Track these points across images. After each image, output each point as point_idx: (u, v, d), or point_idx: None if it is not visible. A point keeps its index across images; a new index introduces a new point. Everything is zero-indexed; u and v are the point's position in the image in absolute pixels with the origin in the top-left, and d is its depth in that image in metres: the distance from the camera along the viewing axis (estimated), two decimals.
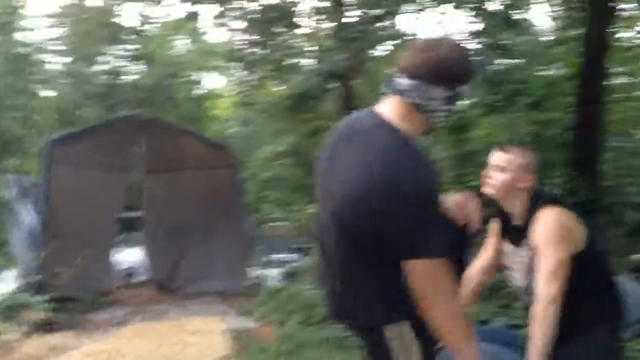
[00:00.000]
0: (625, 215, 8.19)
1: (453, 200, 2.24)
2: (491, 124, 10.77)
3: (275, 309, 6.83)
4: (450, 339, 2.03)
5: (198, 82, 22.71)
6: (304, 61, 11.43)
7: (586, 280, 2.62)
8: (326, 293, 2.25)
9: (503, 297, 5.55)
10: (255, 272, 8.92)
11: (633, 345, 4.36)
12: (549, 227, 2.61)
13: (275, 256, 9.09)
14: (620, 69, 9.90)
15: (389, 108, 2.11)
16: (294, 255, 9.13)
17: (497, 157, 2.79)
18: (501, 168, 2.75)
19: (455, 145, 10.58)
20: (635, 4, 9.44)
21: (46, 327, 6.76)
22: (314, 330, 5.85)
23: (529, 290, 2.67)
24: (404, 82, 2.05)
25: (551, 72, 9.75)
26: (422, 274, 1.95)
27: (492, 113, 10.47)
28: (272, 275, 8.85)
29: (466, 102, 11.11)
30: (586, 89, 7.90)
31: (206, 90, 23.26)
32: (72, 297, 7.72)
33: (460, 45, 2.21)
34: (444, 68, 2.03)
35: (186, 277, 8.66)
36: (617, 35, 9.35)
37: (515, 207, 2.76)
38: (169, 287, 8.87)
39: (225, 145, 9.69)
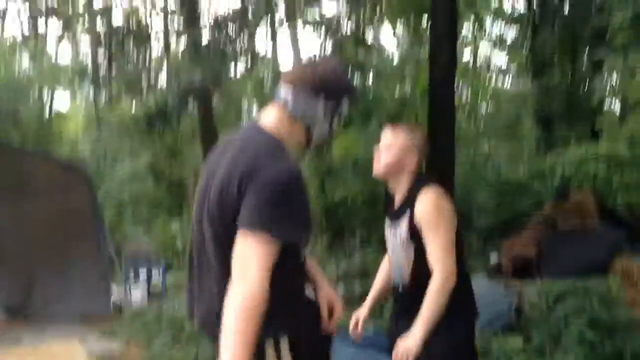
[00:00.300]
0: (476, 221, 8.79)
1: None
2: (348, 139, 11.17)
3: (141, 330, 6.59)
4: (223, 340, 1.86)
5: (45, 103, 21.65)
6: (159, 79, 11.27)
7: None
8: (203, 304, 2.13)
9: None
10: (117, 292, 8.59)
11: (495, 340, 4.65)
12: (437, 205, 2.66)
13: (138, 275, 8.78)
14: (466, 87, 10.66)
15: (270, 117, 2.14)
16: (158, 274, 8.87)
17: (385, 137, 2.77)
18: (387, 149, 2.74)
19: (315, 159, 10.84)
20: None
21: None
22: (183, 349, 5.71)
23: (404, 271, 2.75)
24: (286, 91, 2.10)
25: (404, 89, 10.29)
26: (245, 260, 1.86)
27: (348, 128, 10.87)
28: (136, 294, 8.56)
29: None
30: (436, 104, 8.36)
31: (54, 111, 22.22)
32: None
33: (339, 63, 2.31)
34: (324, 82, 2.10)
35: (41, 301, 8.13)
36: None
37: (400, 187, 2.78)
38: (22, 313, 8.29)
39: (76, 166, 9.26)
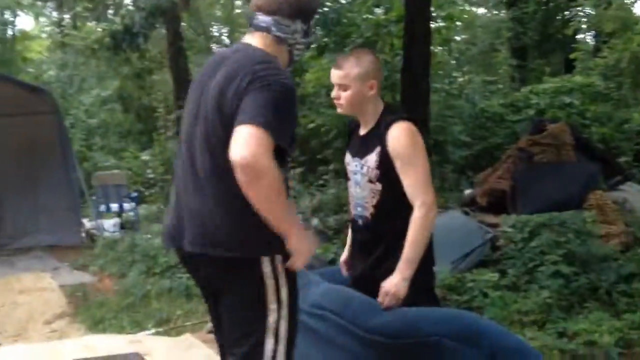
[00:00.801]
0: (451, 154, 8.76)
1: None
2: (321, 67, 10.91)
3: (114, 261, 6.51)
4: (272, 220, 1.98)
5: (8, 23, 20.77)
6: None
7: None
8: (190, 222, 2.13)
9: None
10: (88, 223, 8.47)
11: (470, 275, 4.68)
12: (413, 139, 2.64)
13: (109, 206, 8.64)
14: (442, 14, 10.37)
15: (256, 42, 2.20)
16: (129, 204, 8.73)
17: (335, 76, 2.73)
18: (342, 85, 2.70)
19: None
20: None
21: None
22: (157, 281, 5.67)
23: (367, 200, 2.73)
24: (264, 19, 2.19)
25: (379, 14, 9.99)
26: (246, 137, 1.89)
27: (322, 55, 10.60)
28: (108, 225, 8.44)
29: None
30: (411, 31, 8.17)
31: (17, 32, 21.37)
32: None
33: None
34: (298, 3, 2.20)
35: (10, 233, 7.99)
36: None
37: (367, 119, 2.75)
38: None
39: (42, 90, 8.84)
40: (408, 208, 2.59)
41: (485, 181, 6.50)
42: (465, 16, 12.96)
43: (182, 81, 9.91)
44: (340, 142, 9.10)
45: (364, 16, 10.17)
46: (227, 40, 17.51)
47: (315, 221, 6.32)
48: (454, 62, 11.82)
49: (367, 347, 2.57)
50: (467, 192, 6.95)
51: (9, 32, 20.79)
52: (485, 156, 8.90)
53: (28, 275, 6.38)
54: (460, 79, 11.35)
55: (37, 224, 8.00)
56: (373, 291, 2.62)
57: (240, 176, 1.89)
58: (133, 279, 5.80)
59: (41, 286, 5.98)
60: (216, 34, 20.64)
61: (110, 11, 11.28)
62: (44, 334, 4.83)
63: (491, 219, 5.67)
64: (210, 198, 2.06)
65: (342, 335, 2.65)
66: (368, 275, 2.75)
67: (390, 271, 2.59)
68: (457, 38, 13.31)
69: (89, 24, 19.52)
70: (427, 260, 2.69)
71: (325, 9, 9.46)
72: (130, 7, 8.44)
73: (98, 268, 6.57)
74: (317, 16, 2.40)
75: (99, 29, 10.73)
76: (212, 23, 19.06)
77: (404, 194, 2.61)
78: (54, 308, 5.40)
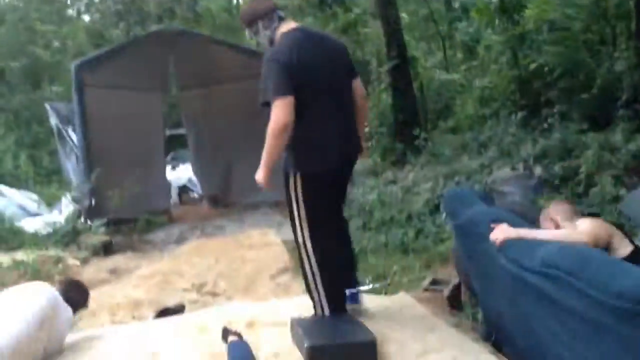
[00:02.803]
0: None
1: None
2: (543, 1, 9.97)
3: None
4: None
5: None
6: None
7: None
8: (344, 136, 3.32)
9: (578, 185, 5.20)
10: None
11: None
12: None
13: None
14: None
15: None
16: None
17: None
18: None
19: (507, 28, 9.86)
20: None
21: (105, 250, 6.76)
22: (373, 235, 5.61)
23: None
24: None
25: None
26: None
27: None
28: None
29: None
30: None
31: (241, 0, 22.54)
32: (127, 218, 7.71)
33: None
34: None
35: (238, 190, 8.48)
36: None
37: None
38: (222, 201, 8.76)
39: (260, 52, 9.13)
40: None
41: None
42: None
43: (393, 32, 9.67)
44: (565, 82, 8.29)
45: None
46: None
47: (538, 169, 5.80)
48: None
49: (608, 314, 2.19)
50: None
51: (234, 1, 22.10)
52: None
53: (255, 231, 6.72)
54: None
55: None
56: None
57: None
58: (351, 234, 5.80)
59: (266, 242, 6.25)
60: None
61: None
62: (270, 288, 5.03)
63: None
64: (348, 114, 3.38)
65: (577, 300, 2.30)
66: None
67: None
68: None
69: None
70: None
71: None
72: None
73: None
74: None
75: None
76: None
77: None
78: (278, 263, 5.60)
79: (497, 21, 10.40)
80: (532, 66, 8.83)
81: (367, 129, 9.91)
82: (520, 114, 8.36)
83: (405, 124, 9.61)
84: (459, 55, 13.70)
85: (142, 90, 8.25)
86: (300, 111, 3.10)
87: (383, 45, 10.12)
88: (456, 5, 13.88)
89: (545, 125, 7.82)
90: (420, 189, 6.20)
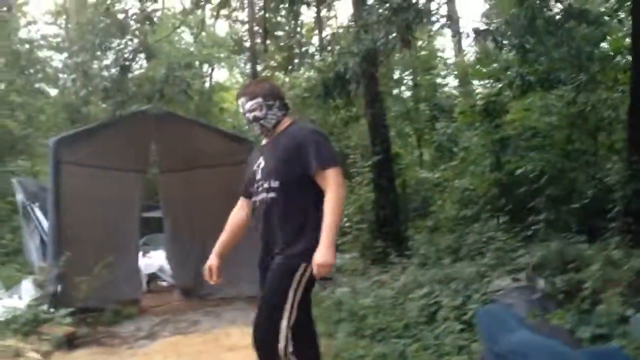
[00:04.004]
0: None
1: None
2: (524, 107, 10.15)
3: (318, 319, 6.20)
4: None
5: (206, 75, 22.18)
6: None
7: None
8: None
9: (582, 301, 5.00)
10: None
11: None
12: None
13: None
14: None
15: None
16: None
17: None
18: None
19: (489, 131, 9.95)
20: None
21: (69, 343, 6.22)
22: (369, 345, 5.24)
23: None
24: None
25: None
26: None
27: (525, 94, 9.87)
28: None
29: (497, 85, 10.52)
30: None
31: (214, 83, 22.73)
32: (94, 308, 7.19)
33: None
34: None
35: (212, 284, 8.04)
36: None
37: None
38: (195, 293, 8.29)
39: (244, 138, 8.99)
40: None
41: None
42: None
43: (378, 127, 9.66)
44: (553, 189, 8.26)
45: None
46: (410, 83, 17.16)
47: (541, 282, 5.58)
48: None
49: None
50: None
51: (206, 84, 22.22)
52: None
53: (234, 329, 6.27)
54: None
55: (240, 274, 8.00)
56: None
57: None
58: (342, 341, 5.43)
59: (248, 343, 5.80)
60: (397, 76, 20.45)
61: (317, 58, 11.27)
62: None
63: None
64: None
65: None
66: None
67: None
68: None
69: (277, 74, 20.46)
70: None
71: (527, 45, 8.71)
72: (344, 50, 8.19)
73: None
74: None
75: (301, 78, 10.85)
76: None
77: None
78: None
79: (477, 124, 10.55)
80: (518, 171, 8.84)
81: (347, 224, 9.75)
82: (502, 218, 8.30)
83: (386, 221, 9.45)
84: (434, 154, 13.83)
85: (121, 170, 7.91)
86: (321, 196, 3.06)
87: (367, 140, 10.13)
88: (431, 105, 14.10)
89: (529, 232, 7.77)
90: (415, 294, 5.90)
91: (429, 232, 9.96)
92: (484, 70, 10.94)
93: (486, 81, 11.30)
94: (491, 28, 7.22)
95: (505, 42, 7.23)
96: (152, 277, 9.36)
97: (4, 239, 10.30)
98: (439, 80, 16.46)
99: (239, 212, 3.56)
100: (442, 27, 7.45)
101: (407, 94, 15.95)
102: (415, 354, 4.91)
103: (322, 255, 2.94)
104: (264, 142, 3.41)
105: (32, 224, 9.09)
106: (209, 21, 23.22)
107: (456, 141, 12.09)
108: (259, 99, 3.28)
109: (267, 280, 3.18)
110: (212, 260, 3.53)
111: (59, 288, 6.99)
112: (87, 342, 6.43)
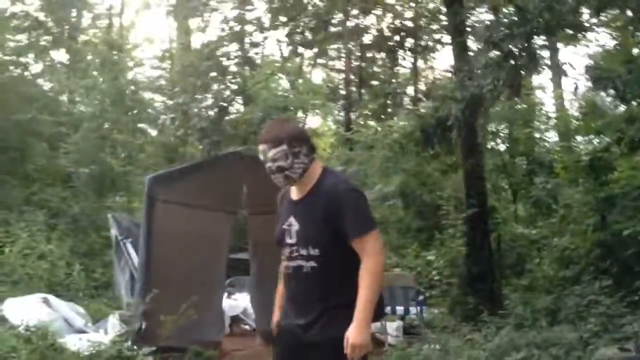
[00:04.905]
0: None
1: None
2: (631, 165, 9.59)
3: None
4: None
5: (300, 120, 22.45)
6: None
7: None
8: None
9: None
10: (372, 325, 8.07)
11: None
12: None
13: (395, 308, 8.17)
14: None
15: None
16: (415, 308, 8.18)
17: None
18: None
19: (594, 188, 9.43)
20: None
21: None
22: None
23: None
24: None
25: None
26: None
27: (634, 152, 9.33)
28: (390, 329, 7.94)
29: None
30: None
31: (307, 128, 22.99)
32: (176, 348, 7.12)
33: None
34: None
35: None
36: None
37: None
38: None
39: None
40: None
41: None
42: None
43: (475, 179, 9.31)
44: None
45: None
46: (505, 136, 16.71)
47: None
48: None
49: None
50: None
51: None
52: None
53: None
54: None
55: None
56: None
57: None
58: None
59: None
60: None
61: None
62: None
63: None
64: None
65: None
66: None
67: None
68: None
69: (370, 122, 20.52)
70: None
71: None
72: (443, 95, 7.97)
73: None
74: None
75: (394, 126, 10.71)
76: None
77: None
78: None
79: (581, 180, 10.07)
80: (625, 232, 8.27)
81: (437, 277, 9.38)
82: (605, 282, 7.77)
83: (479, 277, 9.02)
84: (531, 209, 13.28)
85: (214, 210, 7.92)
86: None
87: (461, 191, 9.81)
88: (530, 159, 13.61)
89: (636, 298, 7.22)
90: (512, 358, 5.50)
91: (524, 291, 9.46)
92: (592, 125, 10.50)
93: (592, 136, 10.84)
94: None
95: (629, 91, 6.81)
96: (235, 320, 9.26)
97: (96, 272, 10.54)
98: (537, 134, 15.94)
99: None
100: (556, 75, 7.11)
101: (502, 147, 15.54)
102: None
103: (358, 335, 2.67)
104: (292, 193, 3.09)
105: (124, 259, 9.25)
106: (306, 69, 23.87)
107: (556, 197, 11.58)
108: (284, 146, 2.92)
109: None
110: (279, 317, 3.16)
111: (144, 325, 6.99)
112: None
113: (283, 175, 2.97)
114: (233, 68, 10.60)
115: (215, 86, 9.16)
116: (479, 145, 9.44)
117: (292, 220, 2.99)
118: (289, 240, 2.96)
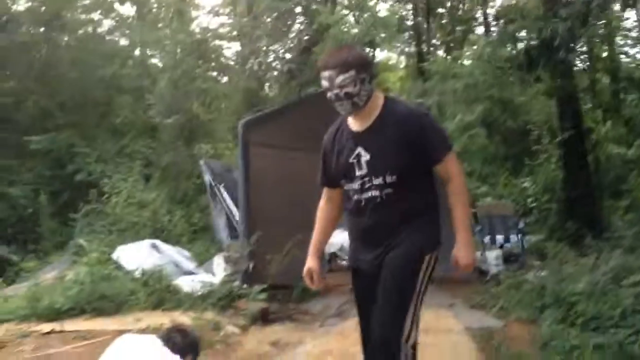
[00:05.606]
0: None
1: None
2: None
3: (519, 304, 5.85)
4: None
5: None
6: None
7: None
8: None
9: None
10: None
11: None
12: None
13: (495, 237, 8.10)
14: None
15: None
16: (516, 237, 8.07)
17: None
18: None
19: None
20: None
21: (263, 318, 6.38)
22: (580, 334, 4.82)
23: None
24: None
25: None
26: None
27: None
28: (491, 257, 7.90)
29: None
30: None
31: (378, 63, 22.61)
32: (282, 285, 7.32)
33: None
34: None
35: None
36: None
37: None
38: None
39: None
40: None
41: None
42: None
43: (568, 101, 9.00)
44: None
45: None
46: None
47: None
48: None
49: None
50: None
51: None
52: None
53: (428, 312, 6.08)
54: None
55: None
56: None
57: None
58: (549, 329, 5.05)
59: (446, 327, 5.60)
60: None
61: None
62: None
63: None
64: None
65: None
66: None
67: None
68: None
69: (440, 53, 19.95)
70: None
71: None
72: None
73: (500, 310, 5.97)
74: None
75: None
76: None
77: None
78: (463, 355, 4.95)
79: None
80: None
81: (534, 204, 9.22)
82: None
83: (578, 201, 8.81)
84: (622, 130, 12.78)
85: (306, 151, 7.96)
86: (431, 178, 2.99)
87: (552, 115, 9.51)
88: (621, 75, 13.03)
89: None
90: (629, 281, 5.37)
91: (624, 213, 9.21)
92: None
93: None
94: None
95: None
96: (333, 256, 9.42)
97: (193, 217, 10.86)
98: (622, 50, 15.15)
99: (329, 205, 3.22)
100: None
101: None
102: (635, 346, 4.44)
103: (466, 254, 2.85)
104: (352, 125, 3.01)
105: (219, 203, 9.49)
106: (370, 3, 23.31)
107: None
108: (352, 72, 2.83)
109: (386, 277, 2.87)
110: (311, 263, 3.22)
111: (251, 265, 7.20)
112: (280, 317, 6.56)
113: (351, 102, 2.88)
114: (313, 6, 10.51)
115: (297, 26, 9.02)
116: (574, 65, 9.08)
117: (360, 150, 2.93)
118: (358, 173, 2.92)
